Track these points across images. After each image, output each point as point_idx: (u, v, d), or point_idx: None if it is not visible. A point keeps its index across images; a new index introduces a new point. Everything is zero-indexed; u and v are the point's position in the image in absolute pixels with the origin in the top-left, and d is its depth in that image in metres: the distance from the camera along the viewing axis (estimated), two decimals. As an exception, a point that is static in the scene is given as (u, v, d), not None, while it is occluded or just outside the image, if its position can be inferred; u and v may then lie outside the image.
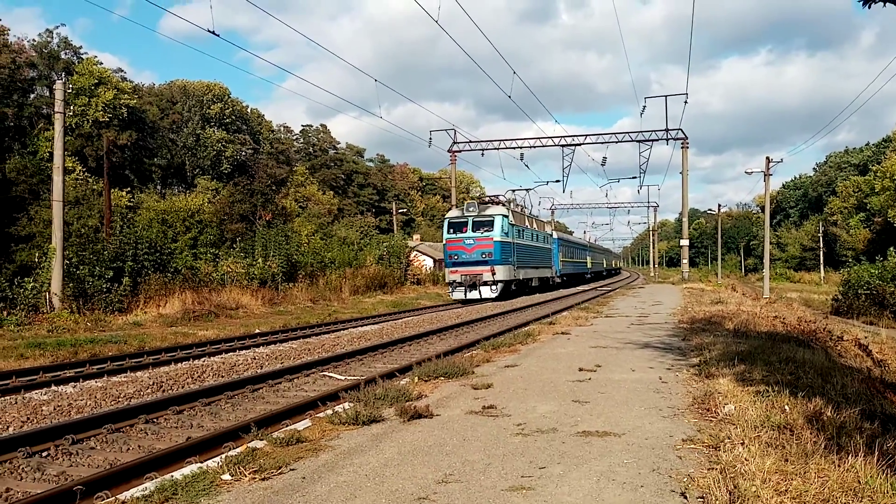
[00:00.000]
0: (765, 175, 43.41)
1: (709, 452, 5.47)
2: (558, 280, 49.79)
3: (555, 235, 49.30)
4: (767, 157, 43.42)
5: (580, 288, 51.69)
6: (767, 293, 42.52)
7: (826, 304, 42.74)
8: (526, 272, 38.46)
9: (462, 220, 34.42)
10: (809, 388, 7.31)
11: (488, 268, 32.73)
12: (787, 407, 6.45)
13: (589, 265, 68.94)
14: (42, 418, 9.18)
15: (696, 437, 5.96)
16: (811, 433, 5.53)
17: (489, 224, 33.57)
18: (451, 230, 34.64)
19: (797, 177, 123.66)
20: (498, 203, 36.46)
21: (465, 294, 33.13)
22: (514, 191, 44.06)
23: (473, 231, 33.64)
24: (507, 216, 34.48)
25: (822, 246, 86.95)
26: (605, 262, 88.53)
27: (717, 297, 29.22)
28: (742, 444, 5.33)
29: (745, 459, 4.91)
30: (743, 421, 6.04)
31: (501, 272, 33.12)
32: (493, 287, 32.89)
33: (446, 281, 35.11)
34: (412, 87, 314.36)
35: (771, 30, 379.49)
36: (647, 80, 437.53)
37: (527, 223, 40.30)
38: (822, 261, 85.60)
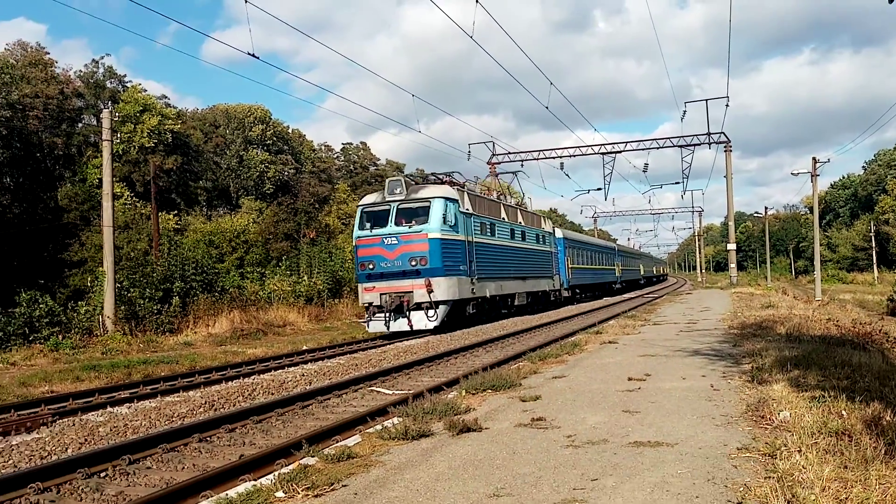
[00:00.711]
0: (812, 176, 42.63)
1: (765, 461, 5.35)
2: (566, 294, 39.22)
3: (559, 234, 39.00)
4: (814, 158, 42.71)
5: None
6: (819, 295, 41.60)
7: (881, 305, 41.69)
8: (498, 285, 27.13)
9: (382, 207, 22.84)
10: (867, 392, 7.11)
11: (421, 281, 21.50)
12: (844, 412, 6.30)
13: (618, 273, 57.57)
14: (99, 439, 9.38)
15: (751, 445, 5.84)
16: (870, 439, 5.38)
17: (423, 212, 22.24)
18: (367, 223, 23.02)
19: (846, 176, 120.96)
20: (441, 183, 24.83)
21: (387, 324, 21.89)
22: (496, 174, 33.21)
23: (398, 224, 22.27)
24: (454, 200, 23.13)
25: (874, 245, 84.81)
26: (642, 268, 78.21)
27: (767, 301, 28.65)
28: (799, 451, 5.21)
29: (803, 467, 4.79)
30: (799, 428, 5.90)
31: (443, 288, 21.86)
32: (432, 312, 21.65)
33: (360, 302, 23.69)
34: (450, 101, 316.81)
35: (813, 29, 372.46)
36: (688, 85, 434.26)
37: (504, 215, 28.98)
38: (874, 260, 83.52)
